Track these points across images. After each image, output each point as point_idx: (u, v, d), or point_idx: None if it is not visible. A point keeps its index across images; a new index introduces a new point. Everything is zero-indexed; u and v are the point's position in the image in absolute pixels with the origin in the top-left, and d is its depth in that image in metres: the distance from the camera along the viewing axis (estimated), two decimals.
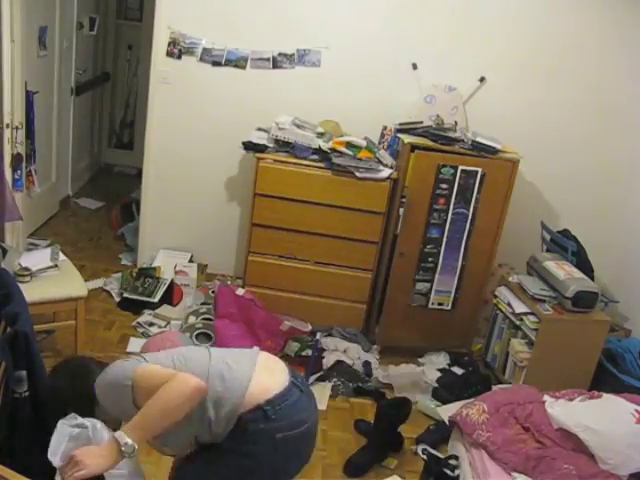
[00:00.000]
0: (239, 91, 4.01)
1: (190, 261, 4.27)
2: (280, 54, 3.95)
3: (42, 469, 1.72)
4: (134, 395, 1.74)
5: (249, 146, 3.71)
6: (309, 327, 3.79)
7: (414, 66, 3.95)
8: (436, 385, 3.53)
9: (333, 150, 3.61)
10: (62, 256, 3.31)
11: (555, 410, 2.65)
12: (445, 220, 3.64)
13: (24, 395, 1.88)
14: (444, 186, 3.58)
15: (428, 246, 3.68)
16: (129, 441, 1.63)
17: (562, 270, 3.54)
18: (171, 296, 3.95)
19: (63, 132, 5.08)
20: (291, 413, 1.82)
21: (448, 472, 2.72)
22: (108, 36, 6.13)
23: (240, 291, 3.68)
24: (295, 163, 3.64)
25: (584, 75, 3.99)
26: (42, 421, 1.93)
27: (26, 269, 3.05)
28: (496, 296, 3.76)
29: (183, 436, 1.82)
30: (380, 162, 3.67)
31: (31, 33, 4.08)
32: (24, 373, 1.90)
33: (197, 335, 3.63)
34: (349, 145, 3.60)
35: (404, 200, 3.61)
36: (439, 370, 3.68)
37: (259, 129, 3.81)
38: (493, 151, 3.55)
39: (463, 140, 3.61)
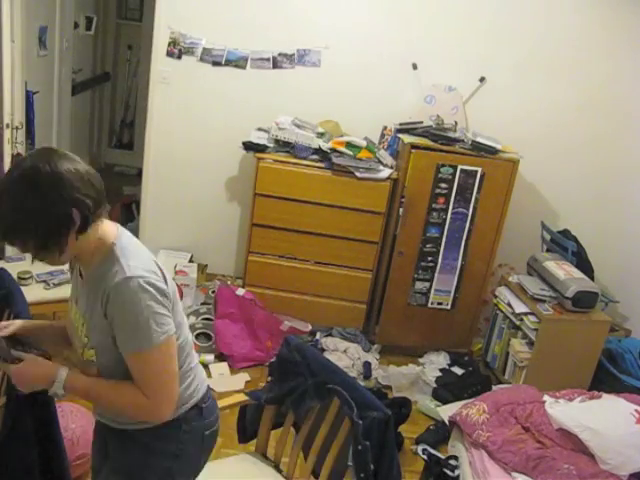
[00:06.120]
0: (239, 91, 4.01)
1: (190, 261, 4.26)
2: (280, 54, 3.95)
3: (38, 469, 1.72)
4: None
5: (249, 146, 3.71)
6: (309, 327, 3.79)
7: (414, 66, 3.94)
8: (436, 385, 3.53)
9: (333, 150, 3.61)
10: None
11: (555, 410, 2.65)
12: (444, 219, 3.64)
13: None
14: (443, 185, 3.58)
15: (427, 245, 3.69)
16: (59, 392, 1.48)
17: (562, 270, 3.54)
18: None
19: (63, 132, 5.08)
20: (214, 408, 1.75)
21: (448, 472, 2.73)
22: (108, 36, 6.14)
23: (240, 291, 3.68)
24: (295, 163, 3.64)
25: (584, 75, 3.99)
26: (40, 421, 1.93)
27: (27, 272, 3.06)
28: (496, 296, 3.76)
29: None
30: (380, 162, 3.67)
31: (31, 33, 4.07)
32: None
33: (197, 335, 3.63)
34: (349, 145, 3.60)
35: (404, 200, 3.61)
36: (439, 370, 3.68)
37: (259, 129, 3.81)
38: (493, 151, 3.55)
39: (463, 140, 3.61)
